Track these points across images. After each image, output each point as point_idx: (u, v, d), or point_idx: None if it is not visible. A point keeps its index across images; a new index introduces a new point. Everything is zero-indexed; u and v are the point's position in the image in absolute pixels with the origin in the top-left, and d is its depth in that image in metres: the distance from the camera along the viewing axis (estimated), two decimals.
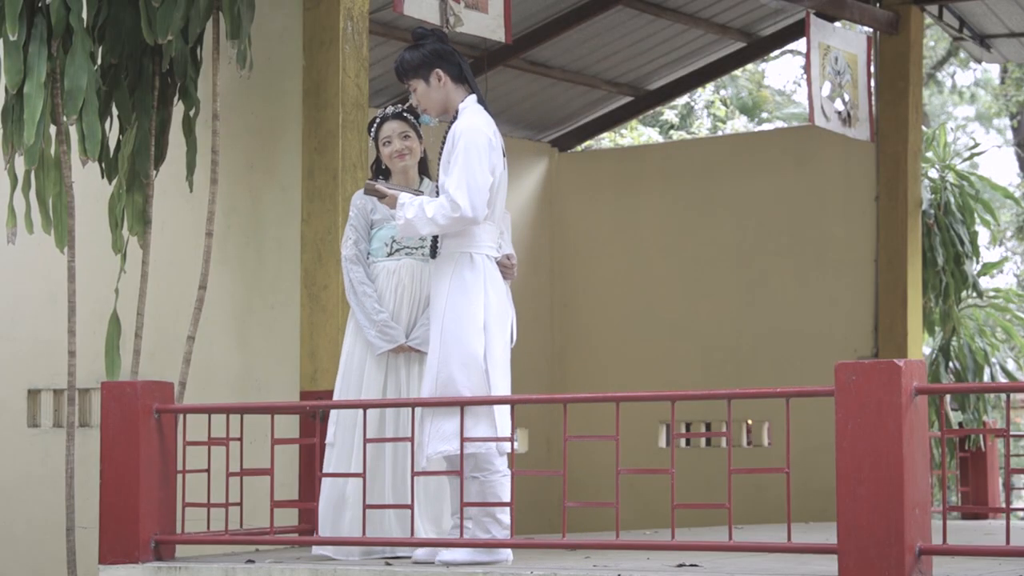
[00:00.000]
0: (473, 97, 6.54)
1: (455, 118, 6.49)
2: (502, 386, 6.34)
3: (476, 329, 6.30)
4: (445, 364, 6.29)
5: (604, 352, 12.80)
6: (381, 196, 6.57)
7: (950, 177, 12.75)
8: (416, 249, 6.82)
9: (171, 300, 8.16)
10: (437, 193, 6.44)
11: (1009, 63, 17.71)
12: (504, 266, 6.55)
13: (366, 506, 6.26)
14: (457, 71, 6.54)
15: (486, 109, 6.52)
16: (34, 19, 7.32)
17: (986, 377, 12.16)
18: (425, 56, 6.54)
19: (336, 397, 6.75)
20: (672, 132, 22.65)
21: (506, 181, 6.54)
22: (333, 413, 6.72)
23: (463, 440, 6.02)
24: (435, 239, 6.48)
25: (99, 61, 7.60)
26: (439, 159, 6.51)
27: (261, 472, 6.39)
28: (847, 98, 10.55)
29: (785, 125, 23.70)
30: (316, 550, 6.64)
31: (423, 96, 6.58)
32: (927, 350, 12.84)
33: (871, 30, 11.43)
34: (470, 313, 6.31)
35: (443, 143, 6.49)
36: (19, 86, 7.24)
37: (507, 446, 6.22)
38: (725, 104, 23.16)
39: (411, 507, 6.08)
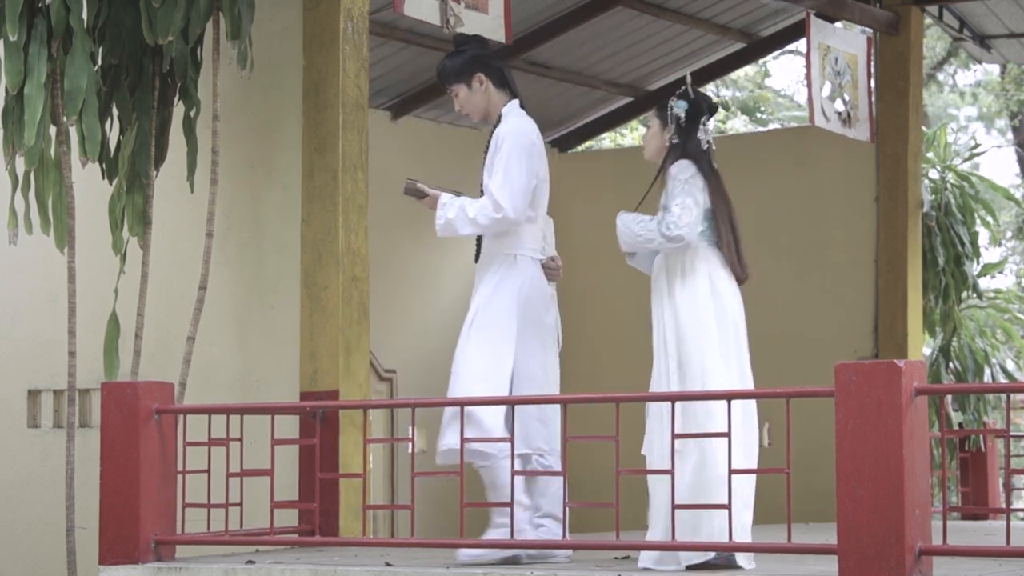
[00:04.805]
0: (515, 102, 6.69)
1: (498, 122, 6.59)
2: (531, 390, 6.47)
3: (504, 336, 6.42)
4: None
5: (604, 352, 12.77)
6: (421, 196, 6.64)
7: (950, 178, 12.75)
8: None
9: (171, 300, 8.15)
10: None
11: (1009, 63, 17.69)
12: (549, 268, 6.73)
13: (366, 506, 6.27)
14: (499, 76, 6.68)
15: (527, 114, 6.65)
16: (34, 20, 7.32)
17: (986, 378, 12.16)
18: (466, 61, 6.66)
19: None
20: None
21: (548, 184, 6.67)
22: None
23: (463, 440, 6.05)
24: (478, 241, 6.57)
25: (99, 62, 7.59)
26: (483, 162, 6.59)
27: (261, 473, 6.39)
28: (847, 99, 10.54)
29: (784, 126, 23.67)
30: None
31: (465, 101, 6.70)
32: (927, 351, 12.84)
33: (871, 31, 11.43)
34: (502, 321, 6.44)
35: (486, 147, 6.59)
36: (19, 87, 7.24)
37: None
38: (726, 107, 23.11)
39: (411, 507, 6.08)
